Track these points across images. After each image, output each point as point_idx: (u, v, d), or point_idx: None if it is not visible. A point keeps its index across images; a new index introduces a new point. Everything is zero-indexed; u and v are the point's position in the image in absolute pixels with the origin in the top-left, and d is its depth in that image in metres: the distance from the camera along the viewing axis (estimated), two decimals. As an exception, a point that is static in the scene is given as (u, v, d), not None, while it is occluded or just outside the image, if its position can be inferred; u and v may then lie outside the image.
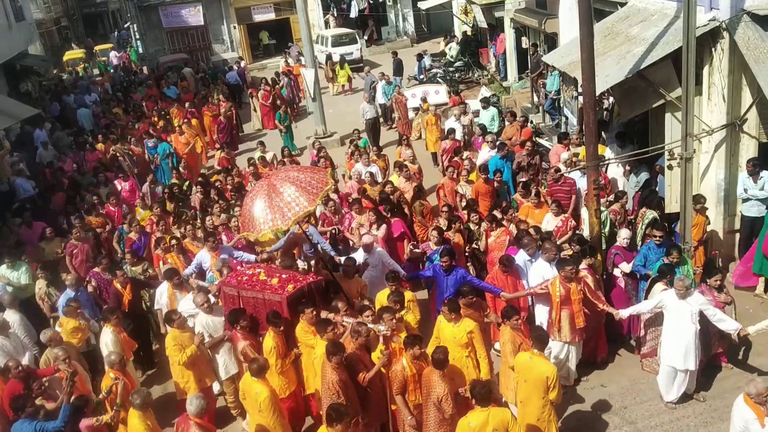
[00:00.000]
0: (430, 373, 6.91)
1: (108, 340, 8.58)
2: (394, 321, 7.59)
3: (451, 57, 25.43)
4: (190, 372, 8.23)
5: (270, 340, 7.73)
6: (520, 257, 9.08)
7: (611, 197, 10.95)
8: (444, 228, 10.44)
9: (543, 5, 18.14)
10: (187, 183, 15.40)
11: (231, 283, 8.56)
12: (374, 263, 9.69)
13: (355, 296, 8.85)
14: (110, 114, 23.26)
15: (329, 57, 28.49)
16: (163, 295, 9.73)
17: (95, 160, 17.25)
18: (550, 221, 10.49)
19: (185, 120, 19.70)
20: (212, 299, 8.91)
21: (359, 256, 9.80)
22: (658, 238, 8.95)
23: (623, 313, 8.29)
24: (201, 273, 10.40)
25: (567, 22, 16.04)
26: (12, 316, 9.54)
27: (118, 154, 17.19)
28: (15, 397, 7.54)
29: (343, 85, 26.82)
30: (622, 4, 12.97)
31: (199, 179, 14.99)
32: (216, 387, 8.84)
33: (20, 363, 8.36)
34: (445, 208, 11.01)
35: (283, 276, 8.39)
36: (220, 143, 19.30)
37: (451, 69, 24.65)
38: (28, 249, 12.07)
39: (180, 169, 16.38)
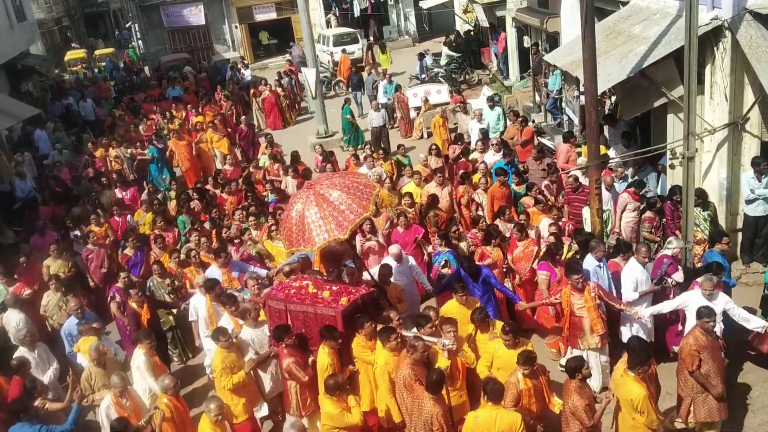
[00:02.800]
0: (567, 383, 6.71)
1: (141, 363, 8.01)
2: (456, 333, 7.31)
3: (444, 61, 25.19)
4: (241, 397, 7.65)
5: (326, 358, 7.23)
6: (589, 263, 8.66)
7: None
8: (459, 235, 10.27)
9: (545, 4, 18.15)
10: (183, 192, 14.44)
11: (277, 296, 7.98)
12: (403, 272, 9.35)
13: (395, 301, 8.61)
14: (113, 116, 23.19)
15: (370, 45, 29.30)
16: (200, 308, 9.12)
17: (96, 169, 16.60)
18: (546, 227, 10.36)
19: (212, 122, 18.74)
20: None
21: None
22: (726, 246, 8.75)
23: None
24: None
25: (569, 21, 16.02)
26: (16, 316, 9.54)
27: (119, 157, 16.97)
28: (14, 400, 7.52)
29: (385, 69, 26.94)
30: (624, 3, 12.95)
31: (197, 185, 14.35)
32: (264, 410, 8.24)
33: (26, 360, 8.36)
34: (498, 221, 10.51)
35: (334, 288, 7.87)
36: (243, 151, 18.63)
37: (442, 72, 24.40)
38: (31, 268, 11.22)
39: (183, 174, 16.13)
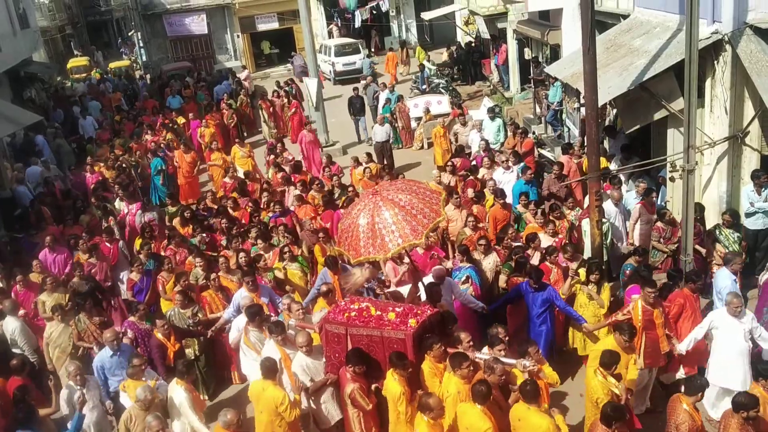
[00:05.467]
0: (728, 418, 6.24)
1: (183, 399, 7.42)
2: (539, 352, 7.00)
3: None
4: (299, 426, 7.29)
5: (398, 386, 6.73)
6: (725, 276, 8.28)
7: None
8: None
9: (546, 17, 18.23)
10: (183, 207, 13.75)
11: (337, 320, 7.38)
12: (443, 294, 8.76)
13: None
14: (115, 123, 23.12)
15: (404, 43, 31.07)
16: (241, 332, 8.55)
17: (95, 182, 15.98)
18: (543, 241, 10.16)
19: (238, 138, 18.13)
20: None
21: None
22: None
23: (681, 347, 7.83)
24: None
25: (570, 34, 16.11)
26: (12, 323, 9.45)
27: (124, 165, 16.75)
28: (16, 410, 7.45)
29: (421, 64, 27.38)
30: (625, 17, 13.02)
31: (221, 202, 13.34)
32: None
33: (24, 361, 8.31)
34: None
35: (398, 309, 7.36)
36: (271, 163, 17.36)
37: (443, 83, 24.35)
38: (30, 286, 10.52)
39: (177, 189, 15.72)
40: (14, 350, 9.34)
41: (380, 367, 7.16)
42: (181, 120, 21.06)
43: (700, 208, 10.04)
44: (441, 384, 6.83)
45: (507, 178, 12.84)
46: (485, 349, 7.25)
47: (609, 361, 6.74)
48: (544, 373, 6.91)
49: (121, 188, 14.64)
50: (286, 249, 10.52)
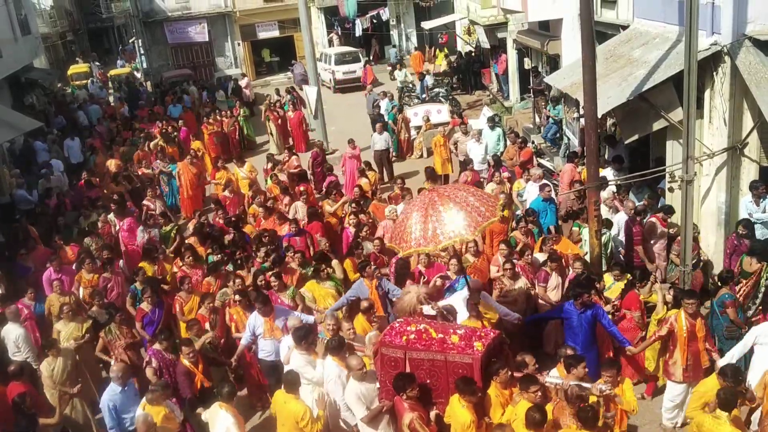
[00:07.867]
0: None
1: (230, 424, 6.88)
2: (615, 377, 6.71)
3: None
4: None
5: (467, 414, 6.35)
6: None
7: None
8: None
9: (546, 27, 18.30)
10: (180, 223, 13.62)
11: (394, 343, 6.99)
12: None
13: None
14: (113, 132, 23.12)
15: (431, 45, 32.44)
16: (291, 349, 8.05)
17: (93, 196, 15.31)
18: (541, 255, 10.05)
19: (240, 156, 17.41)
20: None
21: (457, 300, 8.46)
22: None
23: (721, 363, 7.54)
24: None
25: (569, 44, 16.18)
26: (15, 330, 9.34)
27: (133, 176, 16.44)
28: (15, 422, 7.43)
29: (421, 73, 27.81)
30: (624, 27, 13.07)
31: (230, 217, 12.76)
32: None
33: (23, 366, 8.23)
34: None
35: (459, 331, 7.04)
36: (316, 180, 16.46)
37: (443, 92, 24.42)
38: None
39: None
40: (15, 357, 9.28)
41: (441, 392, 6.84)
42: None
43: (745, 222, 9.53)
44: (504, 412, 6.59)
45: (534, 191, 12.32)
46: (554, 372, 7.01)
47: (729, 399, 6.20)
48: (620, 398, 6.65)
49: (115, 203, 13.62)
50: (323, 268, 9.89)
